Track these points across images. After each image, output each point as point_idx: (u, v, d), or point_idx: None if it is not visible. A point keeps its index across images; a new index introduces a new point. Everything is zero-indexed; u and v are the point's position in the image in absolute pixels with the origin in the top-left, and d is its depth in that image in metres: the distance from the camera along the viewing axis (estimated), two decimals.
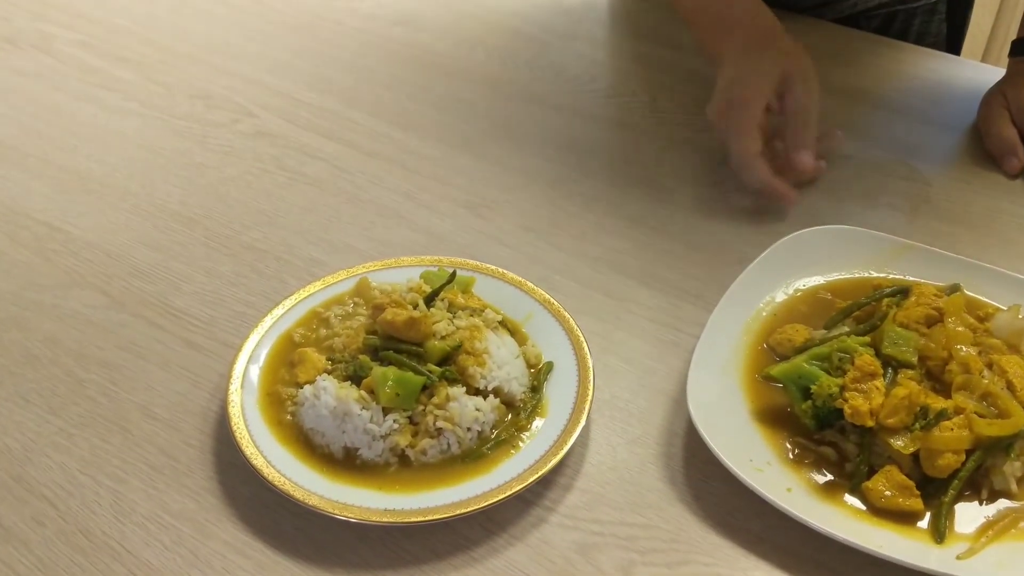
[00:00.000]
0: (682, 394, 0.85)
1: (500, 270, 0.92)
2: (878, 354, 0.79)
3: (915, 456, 0.74)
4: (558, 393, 0.81)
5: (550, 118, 1.23)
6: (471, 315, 0.84)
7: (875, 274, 0.94)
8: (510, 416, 0.80)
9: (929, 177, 1.13)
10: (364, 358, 0.79)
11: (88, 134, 1.18)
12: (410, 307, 0.81)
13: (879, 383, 0.76)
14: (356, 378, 0.78)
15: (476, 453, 0.76)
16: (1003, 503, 0.74)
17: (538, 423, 0.79)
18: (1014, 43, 1.22)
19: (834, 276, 0.94)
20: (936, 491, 0.74)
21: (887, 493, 0.73)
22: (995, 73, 1.25)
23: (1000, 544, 0.71)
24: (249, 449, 0.75)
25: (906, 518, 0.73)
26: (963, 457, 0.74)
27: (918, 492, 0.73)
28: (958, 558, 0.70)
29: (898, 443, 0.74)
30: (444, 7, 1.48)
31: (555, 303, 0.89)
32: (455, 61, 1.35)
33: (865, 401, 0.75)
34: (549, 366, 0.84)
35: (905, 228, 1.02)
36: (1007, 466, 0.75)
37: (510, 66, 1.34)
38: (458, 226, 1.04)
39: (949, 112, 1.24)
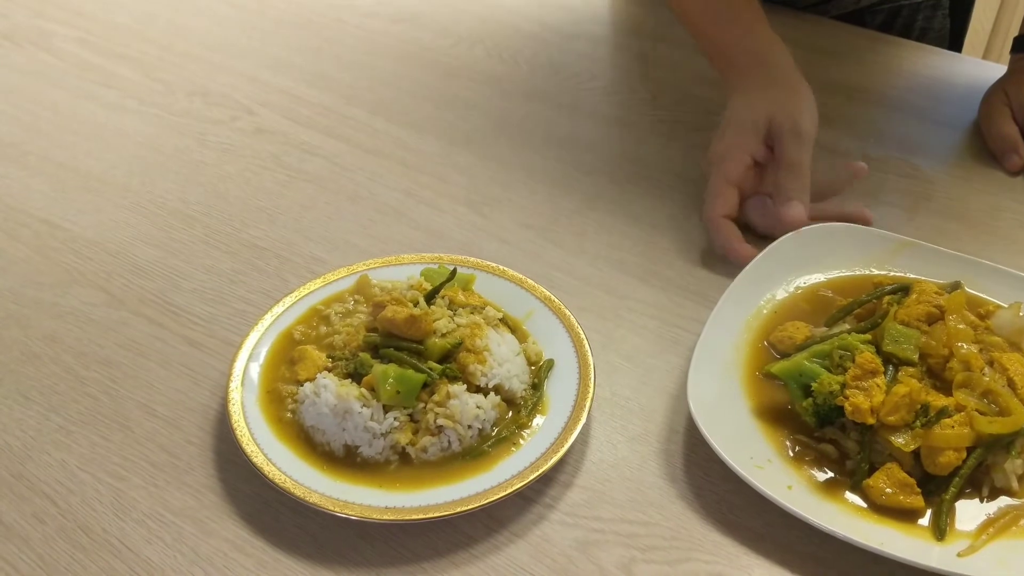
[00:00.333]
0: (683, 391, 0.85)
1: (500, 267, 0.92)
2: (879, 351, 0.79)
3: (916, 454, 0.74)
4: (559, 391, 0.81)
5: (550, 115, 1.23)
6: (472, 312, 0.83)
7: (876, 272, 0.94)
8: (511, 414, 0.79)
9: (930, 175, 1.13)
10: (365, 356, 0.78)
11: (87, 132, 1.18)
12: (410, 305, 0.81)
13: (880, 380, 0.76)
14: (356, 376, 0.78)
15: (477, 451, 0.76)
16: (1004, 500, 0.74)
17: (539, 421, 0.79)
18: (1016, 40, 1.22)
19: (835, 274, 0.94)
20: (937, 489, 0.74)
21: (888, 491, 0.73)
22: (996, 70, 1.26)
23: (1001, 541, 0.71)
24: (249, 447, 0.75)
25: (907, 515, 0.73)
26: (964, 455, 0.74)
27: (919, 490, 0.73)
28: (959, 555, 0.70)
29: (899, 441, 0.74)
30: (444, 4, 1.48)
31: (555, 300, 0.89)
32: (455, 58, 1.34)
33: (866, 399, 0.74)
34: (550, 363, 0.83)
35: (906, 225, 1.02)
36: (1008, 464, 0.74)
37: (510, 63, 1.33)
38: (458, 223, 1.04)
39: (950, 109, 1.24)
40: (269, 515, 0.74)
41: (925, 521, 0.73)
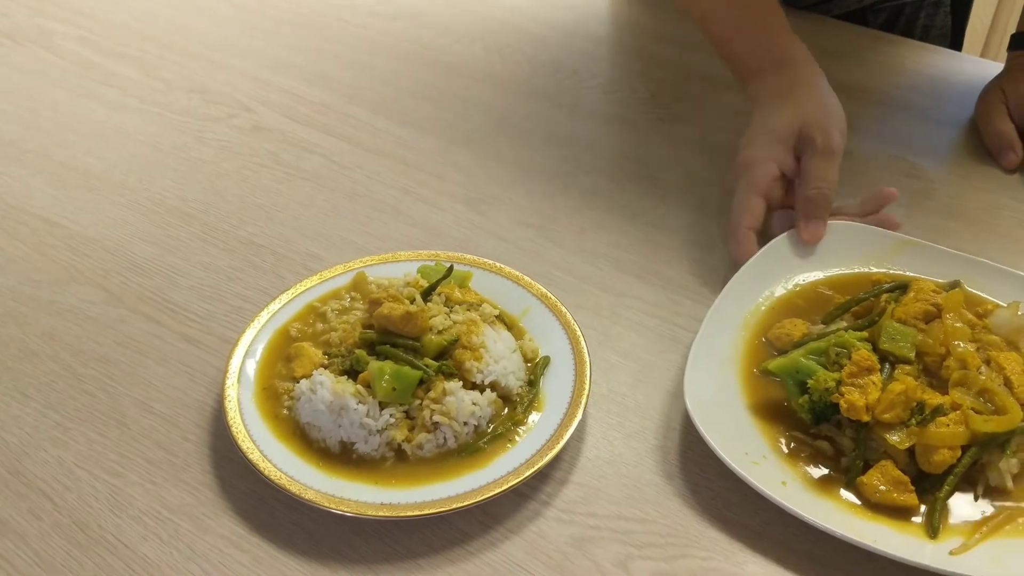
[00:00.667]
0: (679, 388, 0.85)
1: (498, 265, 0.92)
2: (875, 349, 0.79)
3: (911, 451, 0.74)
4: (555, 387, 0.81)
5: (549, 114, 1.23)
6: (468, 310, 0.83)
7: (875, 270, 0.94)
8: (507, 410, 0.79)
9: (928, 172, 1.13)
10: (361, 352, 0.78)
11: (86, 130, 1.18)
12: (407, 301, 0.81)
13: (876, 378, 0.76)
14: (353, 372, 0.78)
15: (472, 447, 0.76)
16: (998, 499, 0.74)
17: (535, 417, 0.79)
18: (1013, 37, 1.22)
19: (833, 271, 0.94)
20: (931, 487, 0.74)
21: (882, 488, 0.73)
22: (995, 68, 1.25)
23: (994, 540, 0.71)
24: (245, 444, 0.75)
25: (901, 513, 0.73)
26: (959, 453, 0.74)
27: (913, 487, 0.73)
28: (952, 554, 0.70)
29: (894, 438, 0.74)
30: (444, 3, 1.48)
31: (552, 298, 0.89)
32: (455, 57, 1.35)
33: (861, 396, 0.74)
34: (546, 360, 0.83)
35: (905, 224, 1.02)
36: (1003, 462, 0.74)
37: (510, 62, 1.34)
38: (456, 221, 1.04)
39: (949, 107, 1.24)
40: (265, 512, 0.74)
41: (919, 519, 0.73)
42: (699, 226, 1.03)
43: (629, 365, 0.88)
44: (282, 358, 0.83)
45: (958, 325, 0.81)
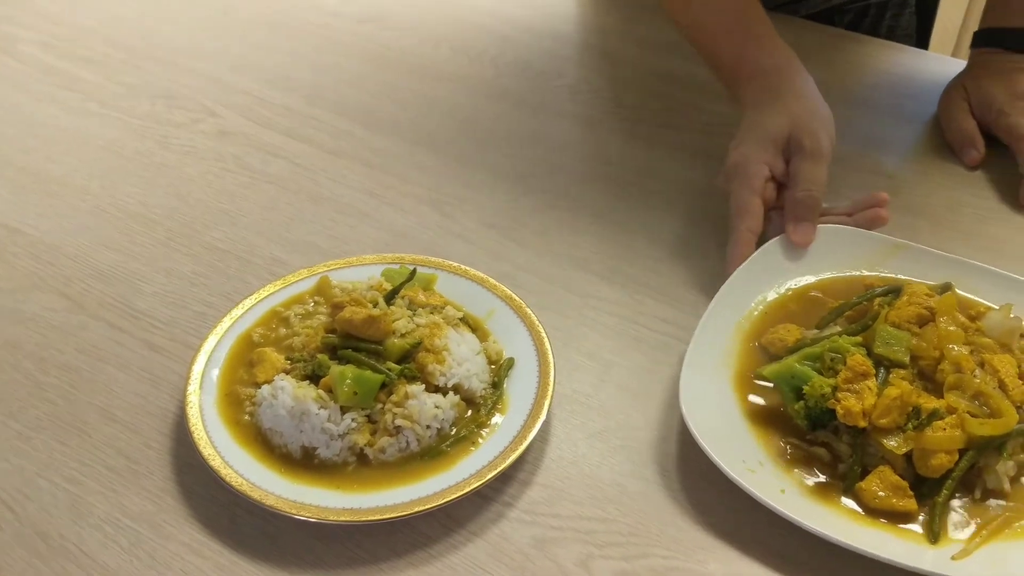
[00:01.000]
0: (643, 388, 0.86)
1: (462, 267, 0.92)
2: (870, 354, 0.79)
3: (908, 456, 0.74)
4: (519, 389, 0.81)
5: (515, 114, 1.23)
6: (432, 312, 0.84)
7: (867, 273, 0.93)
8: (470, 413, 0.80)
9: (892, 170, 1.14)
10: (323, 357, 0.78)
11: (48, 135, 1.18)
12: (370, 305, 0.81)
13: (871, 383, 0.75)
14: (315, 377, 0.78)
15: (435, 451, 0.76)
16: (996, 502, 0.74)
17: (498, 419, 0.79)
18: (975, 34, 1.23)
19: (825, 275, 0.93)
20: (929, 491, 0.73)
21: (880, 494, 0.72)
22: (959, 66, 1.26)
23: (995, 544, 0.71)
24: (207, 450, 0.75)
25: (900, 518, 0.72)
26: (956, 457, 0.73)
27: (912, 492, 0.73)
28: (953, 558, 0.69)
29: (891, 443, 0.73)
30: (410, 4, 1.48)
31: (517, 299, 0.89)
32: (420, 58, 1.34)
33: (858, 401, 0.74)
34: (510, 362, 0.83)
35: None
36: (1000, 465, 0.74)
37: (475, 62, 1.34)
38: (421, 223, 1.04)
39: (913, 105, 1.25)
40: (227, 518, 0.74)
41: (918, 524, 0.72)
42: (664, 226, 1.04)
43: (593, 366, 0.88)
44: (244, 364, 0.82)
45: (952, 328, 0.81)
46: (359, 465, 0.75)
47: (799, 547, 0.72)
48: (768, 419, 0.79)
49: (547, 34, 1.41)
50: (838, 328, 0.84)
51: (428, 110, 1.23)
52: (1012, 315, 0.84)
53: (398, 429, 0.75)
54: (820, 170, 0.95)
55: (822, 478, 0.75)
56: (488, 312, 0.88)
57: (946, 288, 0.89)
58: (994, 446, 0.74)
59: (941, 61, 1.36)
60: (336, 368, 0.76)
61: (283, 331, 0.85)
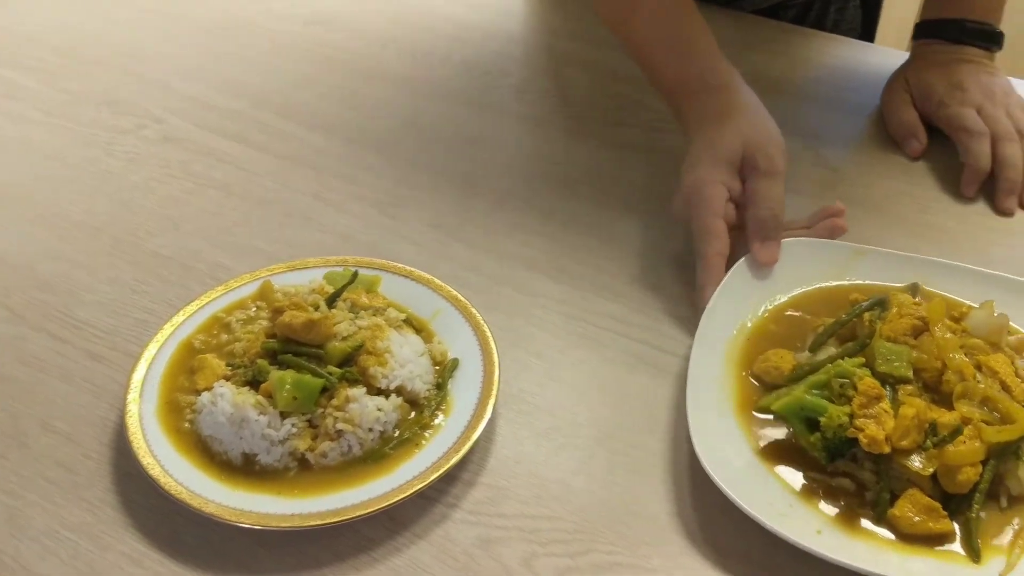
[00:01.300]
0: (589, 385, 0.86)
1: (408, 268, 0.92)
2: (873, 373, 0.77)
3: (933, 475, 0.72)
4: (464, 390, 0.81)
5: (462, 114, 1.23)
6: (374, 315, 0.83)
7: (835, 284, 0.92)
8: (414, 414, 0.79)
9: (835, 162, 1.15)
10: (262, 362, 0.78)
11: None
12: (311, 309, 0.81)
13: (886, 405, 0.73)
14: (255, 383, 0.78)
15: (378, 453, 0.76)
16: (1021, 507, 0.73)
17: (442, 420, 0.79)
18: (916, 26, 1.24)
19: (796, 291, 0.92)
20: (957, 507, 0.72)
21: (916, 519, 0.71)
22: (903, 58, 1.27)
23: None
24: (146, 459, 0.74)
25: (936, 541, 0.71)
26: (980, 469, 0.72)
27: (945, 512, 0.71)
28: (1001, 575, 0.69)
29: (916, 465, 0.72)
30: (358, 6, 1.47)
31: (463, 300, 0.88)
32: (367, 59, 1.34)
33: (878, 427, 0.72)
34: (455, 363, 0.83)
35: (809, 212, 1.03)
36: (1021, 470, 0.73)
37: (423, 63, 1.33)
38: (367, 225, 1.04)
39: (857, 97, 1.26)
40: (167, 528, 0.73)
41: (956, 544, 0.71)
42: (611, 224, 1.04)
43: (540, 364, 0.88)
44: (185, 371, 0.82)
45: (948, 336, 0.79)
46: (300, 470, 0.75)
47: (752, 544, 0.73)
48: (780, 454, 0.77)
49: (495, 34, 1.41)
50: (833, 349, 0.82)
51: (375, 112, 1.23)
52: (996, 313, 0.82)
53: (339, 433, 0.75)
54: (778, 188, 0.94)
55: (849, 508, 0.73)
56: (433, 313, 0.88)
57: (914, 289, 0.89)
58: (1011, 451, 0.73)
59: (885, 54, 1.37)
60: (276, 373, 0.76)
61: (224, 337, 0.85)
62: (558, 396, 0.85)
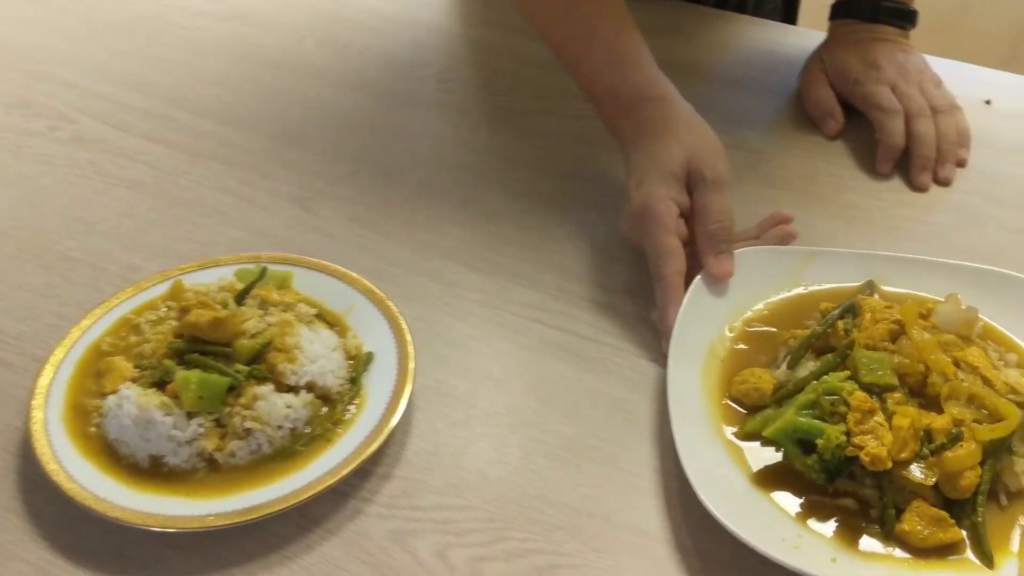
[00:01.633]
0: (506, 374, 0.86)
1: (322, 262, 0.91)
2: (859, 384, 0.75)
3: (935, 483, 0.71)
4: (379, 383, 0.80)
5: (381, 106, 1.22)
6: (284, 311, 0.82)
7: (795, 292, 0.90)
8: (326, 410, 0.78)
9: (755, 144, 1.16)
10: (169, 363, 0.77)
11: None
12: (218, 307, 0.79)
13: (880, 418, 0.72)
14: (163, 384, 0.76)
15: (289, 451, 0.75)
16: (1020, 503, 0.73)
17: (356, 415, 0.78)
18: (832, 7, 1.25)
19: (758, 305, 0.89)
20: (961, 512, 0.71)
21: (925, 532, 0.69)
22: (822, 39, 1.28)
23: None
24: (50, 465, 0.72)
25: (948, 551, 0.69)
26: (979, 470, 0.71)
27: (952, 520, 0.70)
28: None
29: (918, 476, 0.70)
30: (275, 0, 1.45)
31: (379, 292, 0.88)
32: (284, 53, 1.32)
33: (877, 443, 0.70)
34: (369, 356, 0.83)
35: (731, 196, 1.03)
36: (1016, 465, 0.73)
37: (341, 55, 1.32)
38: (283, 221, 1.02)
39: (776, 79, 1.27)
40: (73, 534, 0.72)
41: (968, 552, 0.70)
42: (530, 213, 1.04)
43: (458, 354, 0.88)
44: (92, 374, 0.80)
45: (926, 337, 0.78)
46: (209, 471, 0.74)
47: (673, 526, 0.73)
48: (775, 480, 0.74)
49: (414, 24, 1.40)
50: (811, 364, 0.80)
51: (292, 106, 1.21)
52: (963, 306, 0.82)
53: (248, 432, 0.74)
54: (725, 199, 0.92)
55: (856, 528, 0.71)
56: (348, 307, 0.87)
57: (870, 287, 0.88)
58: (1004, 448, 0.72)
59: (805, 35, 1.38)
60: (181, 373, 0.74)
61: (134, 339, 0.83)
62: (475, 385, 0.85)
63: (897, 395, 0.75)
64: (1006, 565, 0.69)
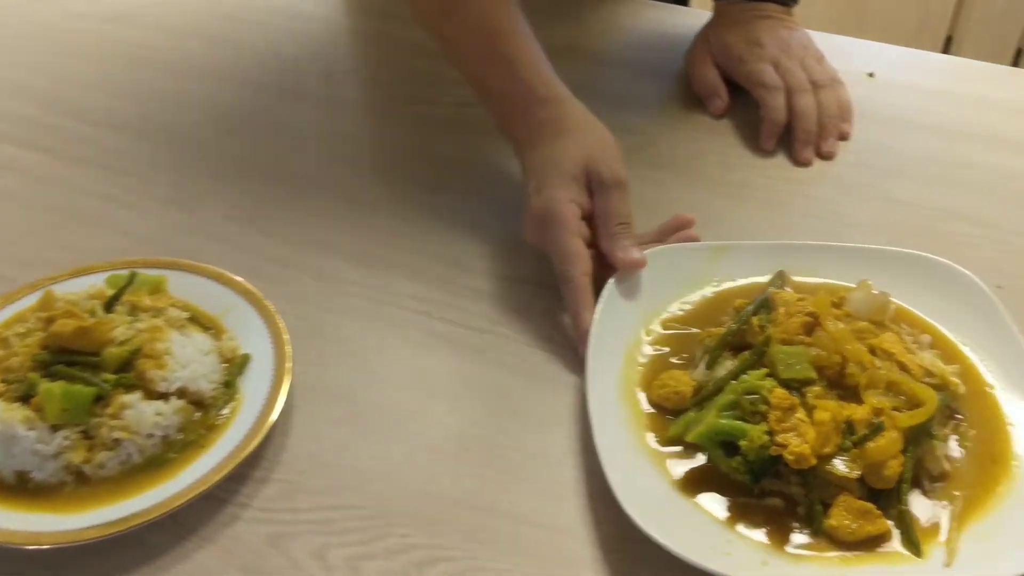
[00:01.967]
0: (388, 368, 0.85)
1: (198, 264, 0.89)
2: (778, 381, 0.74)
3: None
4: (255, 386, 0.79)
5: (266, 102, 1.20)
6: (154, 316, 0.80)
7: (706, 289, 0.90)
8: (199, 416, 0.77)
9: (642, 127, 1.16)
10: (33, 375, 0.74)
11: None
12: (86, 315, 0.77)
13: (802, 415, 0.71)
14: (28, 398, 0.74)
15: (161, 459, 0.73)
16: (942, 486, 0.73)
17: (231, 419, 0.77)
18: None
19: (672, 307, 0.88)
20: (887, 502, 0.70)
21: (852, 526, 0.69)
22: (707, 18, 1.29)
23: (968, 530, 0.69)
24: None
25: (876, 543, 0.69)
26: (902, 458, 0.71)
27: (879, 511, 0.69)
28: (946, 566, 0.67)
29: (843, 470, 0.70)
30: (159, 0, 1.42)
31: (256, 292, 0.86)
32: (166, 53, 1.29)
33: (800, 440, 0.69)
34: (245, 358, 0.81)
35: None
36: (938, 449, 0.73)
37: (226, 52, 1.29)
38: (163, 224, 1.00)
39: (664, 60, 1.27)
40: None
41: (896, 542, 0.69)
42: (415, 203, 1.03)
43: (340, 351, 0.87)
44: None
45: (840, 327, 0.77)
46: (78, 484, 0.72)
47: (564, 514, 0.73)
48: (699, 485, 0.73)
49: (300, 16, 1.37)
50: (729, 363, 0.79)
51: (175, 106, 1.19)
52: (875, 292, 0.82)
53: (117, 442, 0.72)
54: (627, 200, 0.91)
55: (785, 528, 0.70)
56: (224, 309, 0.86)
57: (781, 278, 0.88)
58: (924, 432, 0.72)
59: (692, 15, 1.39)
60: (44, 385, 0.72)
61: (1, 352, 0.80)
62: (357, 382, 0.83)
63: (816, 388, 0.74)
64: (934, 553, 0.68)
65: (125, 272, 0.87)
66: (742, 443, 0.70)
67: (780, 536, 0.70)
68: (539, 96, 0.96)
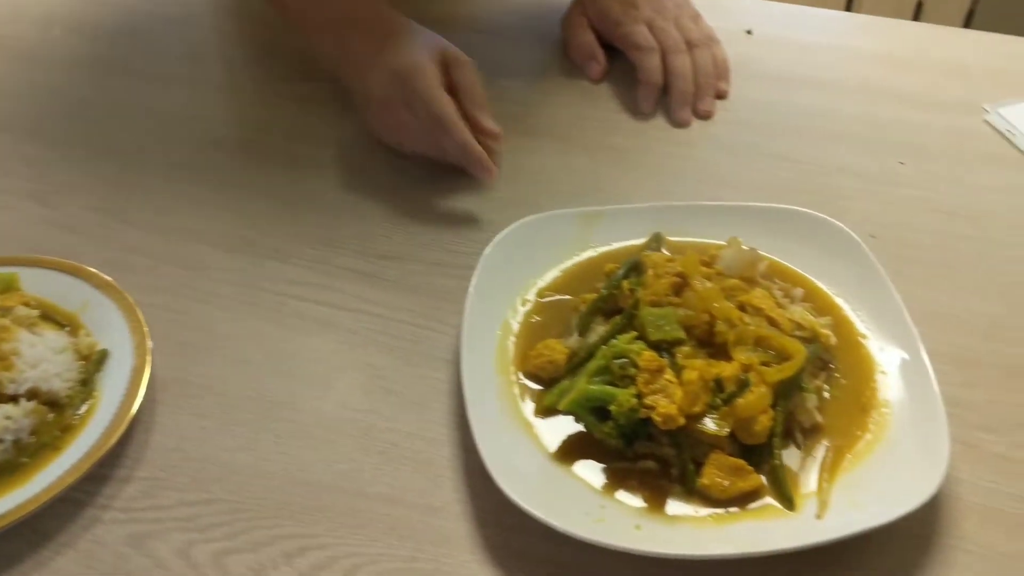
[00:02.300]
0: (256, 355, 0.82)
1: (54, 259, 0.85)
2: (648, 343, 0.73)
3: (730, 432, 0.71)
4: (115, 382, 0.76)
5: (132, 88, 1.15)
6: (2, 316, 0.77)
7: (583, 256, 0.88)
8: (53, 416, 0.73)
9: (519, 95, 1.14)
10: None
11: None
12: None
13: (669, 375, 0.71)
14: None
15: (13, 464, 0.70)
16: (815, 439, 0.73)
17: (87, 418, 0.74)
18: None
19: (550, 274, 0.87)
20: (760, 458, 0.71)
21: (725, 483, 0.69)
22: None
23: (840, 481, 0.70)
24: None
25: (750, 498, 0.69)
26: (772, 413, 0.71)
27: (751, 467, 0.69)
28: (817, 518, 0.67)
29: (712, 428, 0.70)
30: None
31: (115, 286, 0.83)
32: (27, 43, 1.23)
33: (668, 402, 0.69)
34: (103, 355, 0.78)
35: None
36: (809, 401, 0.73)
37: (92, 40, 1.24)
38: (22, 219, 0.96)
39: (543, 28, 1.25)
40: None
41: (769, 497, 0.69)
42: (287, 184, 1.00)
43: (207, 341, 0.84)
44: None
45: (708, 285, 0.77)
46: None
47: (433, 493, 0.72)
48: (576, 453, 0.72)
49: (169, 1, 1.32)
50: (602, 328, 0.78)
51: (36, 97, 1.14)
52: (745, 247, 0.81)
53: None
54: (477, 78, 0.97)
55: (660, 490, 0.70)
56: (82, 304, 0.82)
57: (657, 239, 0.87)
58: (795, 385, 0.72)
59: None
60: None
61: None
62: (225, 372, 0.81)
63: (686, 348, 0.74)
64: (807, 505, 0.69)
65: None
66: (612, 408, 0.70)
67: (656, 499, 0.70)
68: (380, 16, 1.00)
